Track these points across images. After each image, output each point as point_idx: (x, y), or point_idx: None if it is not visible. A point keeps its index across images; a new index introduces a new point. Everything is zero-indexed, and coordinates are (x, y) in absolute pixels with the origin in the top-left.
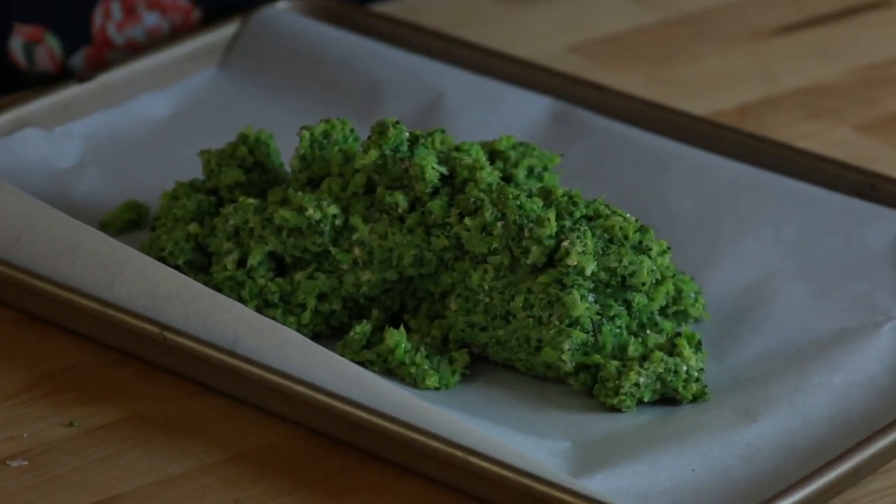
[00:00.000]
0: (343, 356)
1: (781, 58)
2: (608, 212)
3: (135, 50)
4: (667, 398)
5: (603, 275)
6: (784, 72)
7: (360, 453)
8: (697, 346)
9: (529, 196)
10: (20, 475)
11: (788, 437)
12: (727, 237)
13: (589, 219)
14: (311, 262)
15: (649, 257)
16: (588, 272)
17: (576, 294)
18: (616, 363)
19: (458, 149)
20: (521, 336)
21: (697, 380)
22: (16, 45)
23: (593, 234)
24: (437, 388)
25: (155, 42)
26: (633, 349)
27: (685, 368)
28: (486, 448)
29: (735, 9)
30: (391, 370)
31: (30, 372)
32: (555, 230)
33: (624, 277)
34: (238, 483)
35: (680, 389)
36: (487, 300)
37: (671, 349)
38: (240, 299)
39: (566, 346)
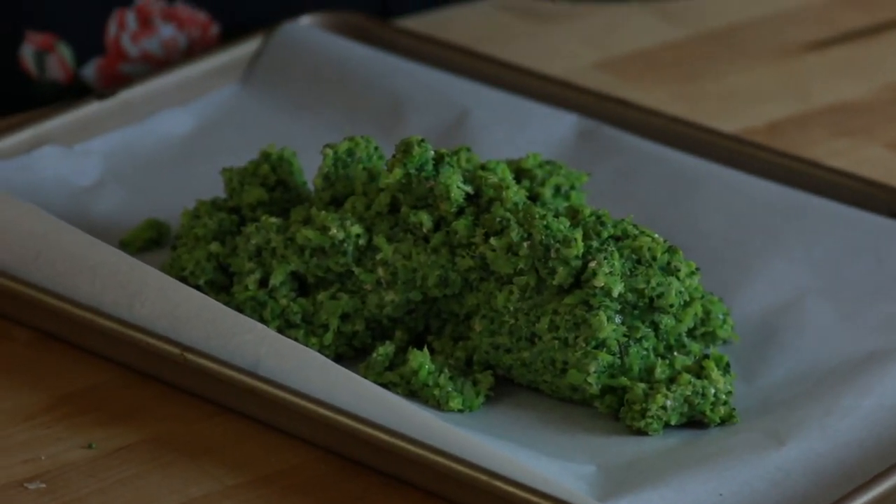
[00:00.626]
0: (366, 378)
1: (812, 74)
2: (636, 232)
3: (149, 62)
4: (694, 421)
5: (630, 296)
6: (815, 89)
7: (382, 477)
8: (726, 369)
9: (556, 216)
10: (38, 498)
11: (818, 461)
12: (756, 257)
13: (616, 239)
14: (333, 283)
15: (678, 279)
16: (615, 293)
17: (602, 316)
18: (643, 386)
19: (483, 167)
20: (546, 358)
21: (725, 403)
22: (27, 53)
23: (621, 255)
24: (460, 411)
25: (171, 55)
26: (661, 371)
27: (713, 391)
28: (511, 472)
29: (765, 25)
30: (414, 392)
31: (48, 393)
32: (582, 251)
33: (652, 299)
34: None
35: (708, 412)
36: (512, 321)
37: (699, 371)
38: (261, 320)
39: (592, 369)
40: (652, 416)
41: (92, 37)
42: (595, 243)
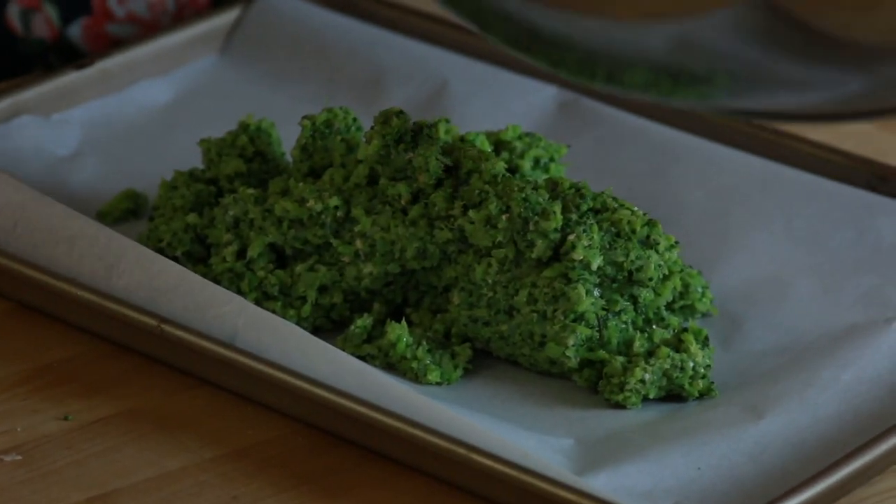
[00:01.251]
0: (344, 350)
1: None
2: (615, 205)
3: (135, 23)
4: (673, 395)
5: (609, 269)
6: None
7: (360, 450)
8: (704, 342)
9: (535, 188)
10: (14, 470)
11: (797, 434)
12: (737, 230)
13: (596, 212)
14: (311, 255)
15: (657, 252)
16: (594, 266)
17: (581, 289)
18: (621, 359)
19: (462, 139)
20: (524, 331)
21: (704, 376)
22: (13, 12)
23: (600, 228)
24: (438, 384)
25: (157, 17)
26: (639, 345)
27: (692, 365)
28: (489, 445)
29: None
30: (392, 364)
31: (25, 364)
32: (560, 223)
33: (630, 272)
34: (236, 479)
35: (686, 386)
36: (491, 294)
37: (678, 345)
38: (239, 291)
39: (570, 342)
40: (630, 390)
41: None
42: (574, 216)
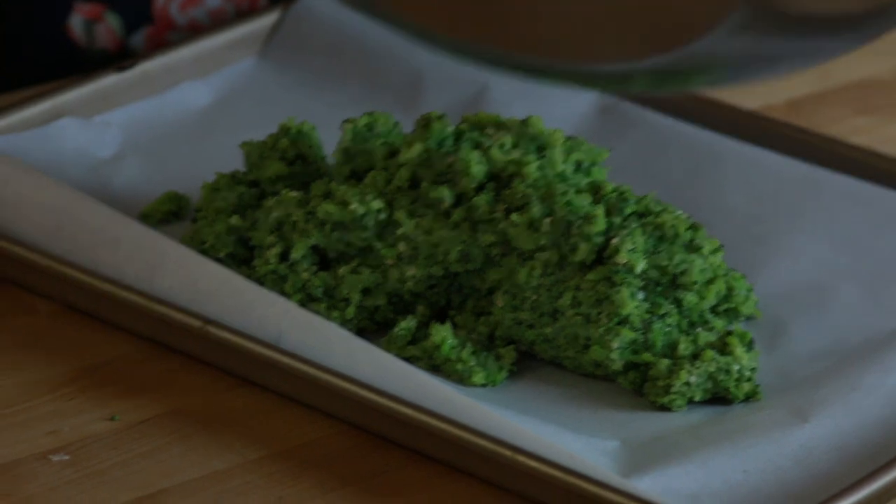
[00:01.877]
0: (388, 352)
1: None
2: (659, 208)
3: (197, 31)
4: (718, 398)
5: (653, 273)
6: (835, 66)
7: (405, 451)
8: (749, 345)
9: (578, 192)
10: (61, 470)
11: (842, 438)
12: (779, 234)
13: (639, 215)
14: (354, 257)
15: (701, 256)
16: (638, 270)
17: (625, 292)
18: (666, 361)
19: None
20: (569, 334)
21: (749, 379)
22: (76, 23)
23: (643, 232)
24: (483, 385)
25: (218, 24)
26: (684, 347)
27: (737, 368)
28: (535, 447)
29: None
30: (437, 366)
31: (71, 365)
32: (604, 227)
33: (675, 276)
34: (282, 480)
35: (732, 389)
36: (535, 297)
37: (723, 348)
38: (283, 293)
39: (615, 345)
40: (676, 392)
41: (140, 6)
42: (617, 220)
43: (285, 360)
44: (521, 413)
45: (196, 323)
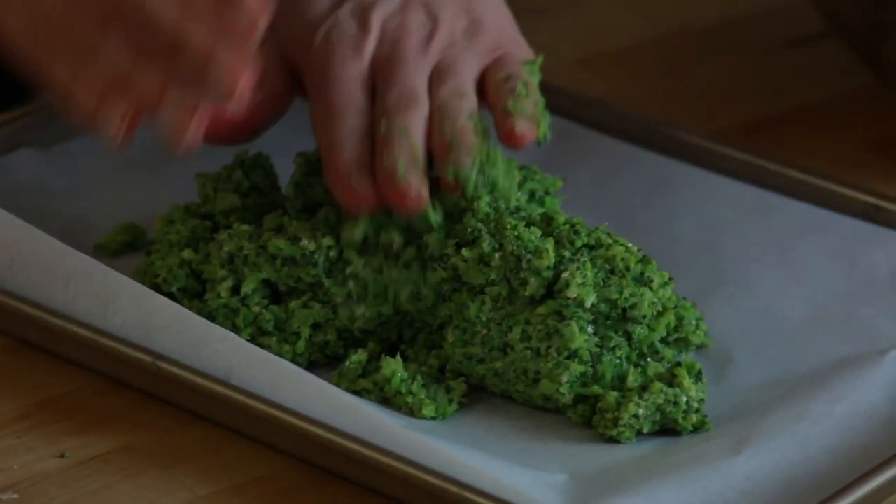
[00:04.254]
0: (339, 385)
1: (790, 72)
2: (610, 241)
3: None
4: (667, 429)
5: (603, 307)
6: (792, 86)
7: (354, 486)
8: (698, 376)
9: (528, 225)
10: None
11: (789, 469)
12: (730, 261)
13: (590, 248)
14: (305, 292)
15: (651, 289)
16: (588, 304)
17: (574, 326)
18: (615, 394)
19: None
20: (518, 368)
21: (697, 410)
22: None
23: (594, 265)
24: (433, 418)
25: None
26: (633, 379)
27: (685, 399)
28: (482, 483)
29: (744, 22)
30: (388, 399)
31: (22, 401)
32: (553, 262)
33: (625, 310)
34: None
35: (680, 420)
36: (485, 332)
37: (671, 379)
38: (234, 327)
39: (564, 379)
40: (624, 425)
41: None
42: (568, 253)
43: (235, 395)
44: (471, 446)
45: (147, 359)
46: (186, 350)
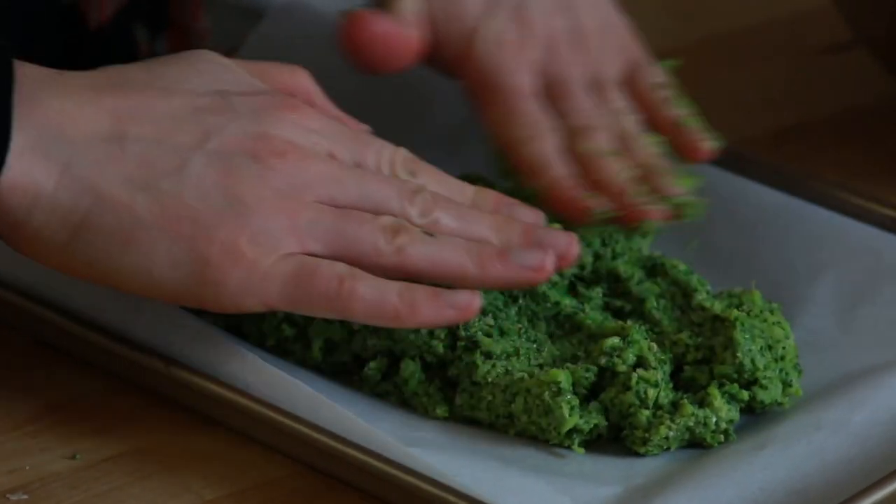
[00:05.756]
0: (361, 391)
1: (822, 80)
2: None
3: None
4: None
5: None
6: (823, 95)
7: (360, 493)
8: (731, 397)
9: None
10: None
11: (804, 479)
12: (757, 264)
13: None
14: None
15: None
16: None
17: (565, 409)
18: (647, 413)
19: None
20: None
21: (725, 431)
22: None
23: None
24: (446, 418)
25: None
26: (664, 395)
27: (714, 420)
28: (488, 496)
29: (776, 29)
30: (405, 400)
31: (38, 402)
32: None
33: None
34: None
35: (707, 439)
36: (490, 398)
37: (703, 398)
38: (260, 332)
39: (576, 443)
40: (653, 445)
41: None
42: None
43: (244, 401)
44: (484, 453)
45: (158, 363)
46: (205, 368)
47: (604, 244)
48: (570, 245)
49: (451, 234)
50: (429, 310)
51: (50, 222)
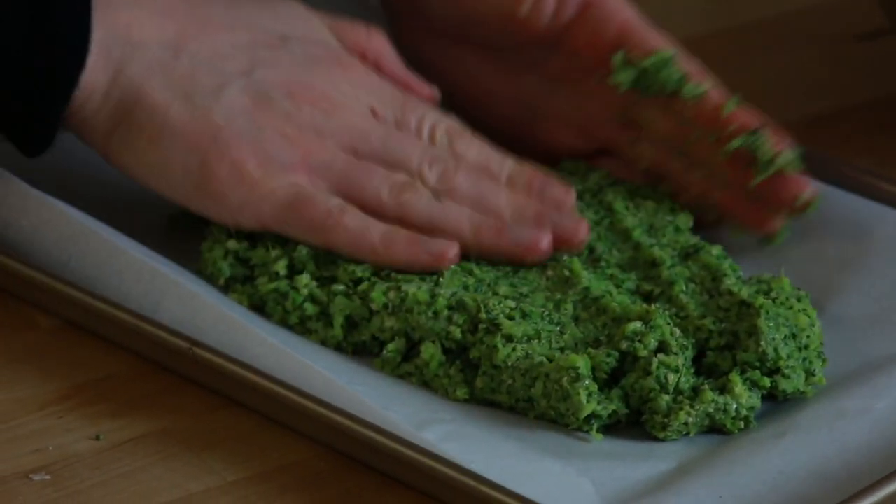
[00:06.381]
0: (382, 370)
1: (857, 66)
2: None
3: None
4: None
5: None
6: (858, 81)
7: (379, 475)
8: (752, 383)
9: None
10: (41, 489)
11: (823, 464)
12: (787, 251)
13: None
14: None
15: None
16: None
17: (583, 395)
18: (667, 398)
19: None
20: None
21: (746, 418)
22: None
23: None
24: (467, 400)
25: None
26: (684, 381)
27: (734, 406)
28: (502, 479)
29: (812, 15)
30: (427, 382)
31: (64, 382)
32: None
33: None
34: (256, 503)
35: (728, 426)
36: (510, 381)
37: (724, 384)
38: (284, 311)
39: (595, 429)
40: (672, 430)
41: None
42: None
43: (267, 383)
44: (504, 434)
45: (183, 344)
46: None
47: (649, 233)
48: (576, 230)
49: (465, 203)
50: (404, 250)
51: (99, 112)
